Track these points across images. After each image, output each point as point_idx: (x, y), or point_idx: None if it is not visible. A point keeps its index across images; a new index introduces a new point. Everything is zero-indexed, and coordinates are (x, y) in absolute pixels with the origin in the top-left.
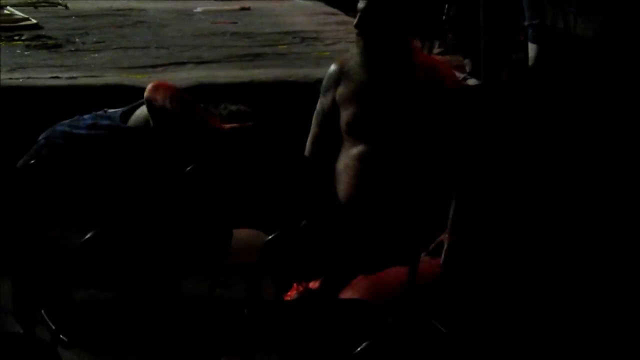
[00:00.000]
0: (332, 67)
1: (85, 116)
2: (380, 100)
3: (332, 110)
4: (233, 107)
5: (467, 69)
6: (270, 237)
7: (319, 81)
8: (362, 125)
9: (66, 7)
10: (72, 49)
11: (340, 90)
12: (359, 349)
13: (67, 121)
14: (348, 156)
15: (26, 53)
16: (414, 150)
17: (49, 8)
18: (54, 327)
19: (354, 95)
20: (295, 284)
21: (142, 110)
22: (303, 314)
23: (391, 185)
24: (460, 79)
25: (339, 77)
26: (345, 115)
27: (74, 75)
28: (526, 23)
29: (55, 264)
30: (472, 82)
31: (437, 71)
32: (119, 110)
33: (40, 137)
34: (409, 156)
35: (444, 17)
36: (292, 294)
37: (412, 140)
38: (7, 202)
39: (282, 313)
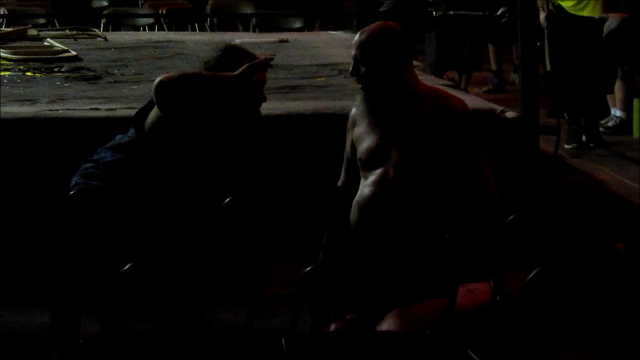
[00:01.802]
0: (351, 111)
1: (106, 146)
2: (385, 133)
3: (352, 151)
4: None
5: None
6: (308, 269)
7: None
8: (372, 158)
9: (105, 39)
10: (111, 80)
11: (355, 131)
12: None
13: (92, 157)
14: (363, 186)
15: (65, 85)
16: (426, 173)
17: (88, 40)
18: (92, 357)
19: (365, 133)
20: (332, 316)
21: (153, 111)
22: (341, 346)
23: (404, 205)
24: (498, 112)
25: (355, 119)
26: (359, 152)
27: (113, 106)
28: None
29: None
30: (510, 114)
31: (443, 98)
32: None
33: (73, 180)
34: (421, 177)
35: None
36: (330, 326)
37: (420, 164)
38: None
39: (320, 344)
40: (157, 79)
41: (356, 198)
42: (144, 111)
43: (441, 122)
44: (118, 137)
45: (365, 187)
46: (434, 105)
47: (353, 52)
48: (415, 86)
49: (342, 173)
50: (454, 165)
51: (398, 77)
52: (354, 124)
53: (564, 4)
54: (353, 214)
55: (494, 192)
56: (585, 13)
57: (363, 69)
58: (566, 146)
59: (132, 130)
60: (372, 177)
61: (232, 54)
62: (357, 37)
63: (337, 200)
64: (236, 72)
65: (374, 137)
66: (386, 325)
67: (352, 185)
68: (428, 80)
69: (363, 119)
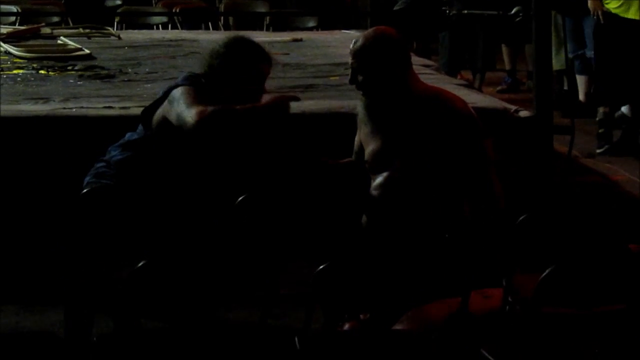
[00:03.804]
0: (357, 110)
1: (116, 144)
2: (387, 137)
3: (360, 148)
4: None
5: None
6: (321, 267)
7: None
8: (377, 162)
9: (119, 37)
10: (125, 79)
11: (362, 131)
12: None
13: (103, 157)
14: (371, 189)
15: (79, 83)
16: (429, 174)
17: (102, 39)
18: (105, 355)
19: (369, 138)
20: (346, 315)
21: (160, 109)
22: (354, 345)
23: (411, 207)
24: (512, 111)
25: (358, 122)
26: (365, 155)
27: (127, 105)
28: (571, 55)
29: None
30: (524, 114)
31: (444, 100)
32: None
33: (86, 179)
34: (425, 180)
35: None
36: (343, 325)
37: (426, 165)
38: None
39: (333, 343)
40: (193, 119)
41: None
42: (151, 108)
43: (442, 124)
44: (128, 134)
45: (373, 190)
46: (434, 107)
47: (350, 60)
48: (416, 89)
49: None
50: (459, 166)
51: (397, 83)
52: (360, 125)
53: (610, 6)
54: (363, 216)
55: (497, 195)
56: (630, 15)
57: (360, 78)
58: (598, 151)
59: (140, 127)
60: (379, 181)
61: (239, 47)
62: (352, 44)
63: (350, 199)
64: (266, 103)
65: (377, 142)
66: (402, 325)
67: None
68: (442, 80)
69: (365, 124)
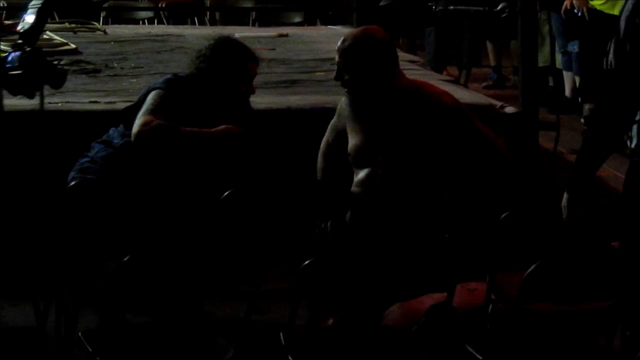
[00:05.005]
0: (338, 107)
1: (100, 140)
2: (370, 133)
3: (338, 143)
4: None
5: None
6: (306, 262)
7: None
8: (360, 157)
9: (105, 32)
10: (111, 74)
11: (347, 126)
12: None
13: (87, 153)
14: (354, 184)
15: None
16: (412, 169)
17: (88, 33)
18: (90, 350)
19: (352, 132)
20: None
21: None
22: (339, 340)
23: (393, 203)
24: (498, 107)
25: (341, 116)
26: (349, 148)
27: (112, 100)
28: (559, 51)
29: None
30: (509, 110)
31: (426, 95)
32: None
33: (70, 175)
34: (408, 175)
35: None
36: (327, 320)
37: (408, 161)
38: (53, 224)
39: (318, 339)
40: (136, 128)
41: (353, 194)
42: (133, 109)
43: (425, 117)
44: (111, 130)
45: (355, 186)
46: (416, 101)
47: (336, 58)
48: (400, 86)
49: (323, 163)
50: (449, 156)
51: (382, 82)
52: (343, 119)
53: (595, 3)
54: (347, 212)
55: (503, 148)
56: (616, 12)
57: (346, 77)
58: None
59: (122, 127)
60: (361, 177)
61: (225, 46)
62: (339, 43)
63: (334, 195)
64: (215, 131)
65: (361, 137)
66: (387, 320)
67: (333, 180)
68: (427, 76)
69: (349, 119)
